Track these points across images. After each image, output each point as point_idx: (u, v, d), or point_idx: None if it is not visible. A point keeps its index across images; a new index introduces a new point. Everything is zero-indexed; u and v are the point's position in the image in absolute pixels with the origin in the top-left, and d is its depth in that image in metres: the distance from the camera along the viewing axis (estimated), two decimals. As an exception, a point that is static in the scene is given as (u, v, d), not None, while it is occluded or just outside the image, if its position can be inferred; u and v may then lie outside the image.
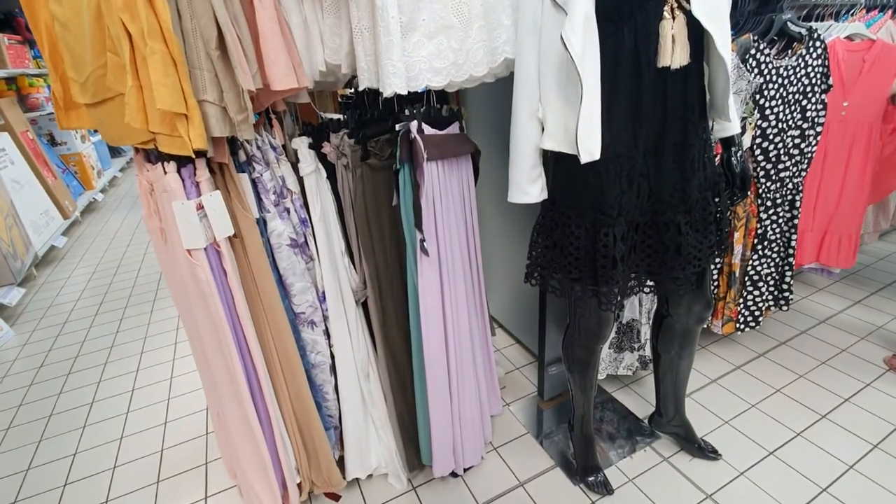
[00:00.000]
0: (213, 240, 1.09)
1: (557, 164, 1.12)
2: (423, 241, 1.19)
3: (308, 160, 1.24)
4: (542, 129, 1.09)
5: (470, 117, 2.09)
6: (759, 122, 1.71)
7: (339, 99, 1.47)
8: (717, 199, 1.18)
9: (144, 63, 0.89)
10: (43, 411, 2.17)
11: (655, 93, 1.01)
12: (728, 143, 1.21)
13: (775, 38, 1.70)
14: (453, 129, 1.30)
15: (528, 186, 1.14)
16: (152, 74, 0.87)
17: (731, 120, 1.08)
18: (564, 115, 1.03)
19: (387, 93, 1.02)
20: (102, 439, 1.96)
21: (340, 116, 1.29)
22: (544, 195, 1.16)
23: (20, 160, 3.81)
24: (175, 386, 2.25)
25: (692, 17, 0.94)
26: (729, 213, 1.29)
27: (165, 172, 1.01)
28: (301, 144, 1.24)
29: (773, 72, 1.68)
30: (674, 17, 0.95)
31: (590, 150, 0.98)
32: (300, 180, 1.27)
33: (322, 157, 1.29)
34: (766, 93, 1.69)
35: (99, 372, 2.41)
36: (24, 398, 2.26)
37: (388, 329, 1.42)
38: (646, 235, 1.13)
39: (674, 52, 0.95)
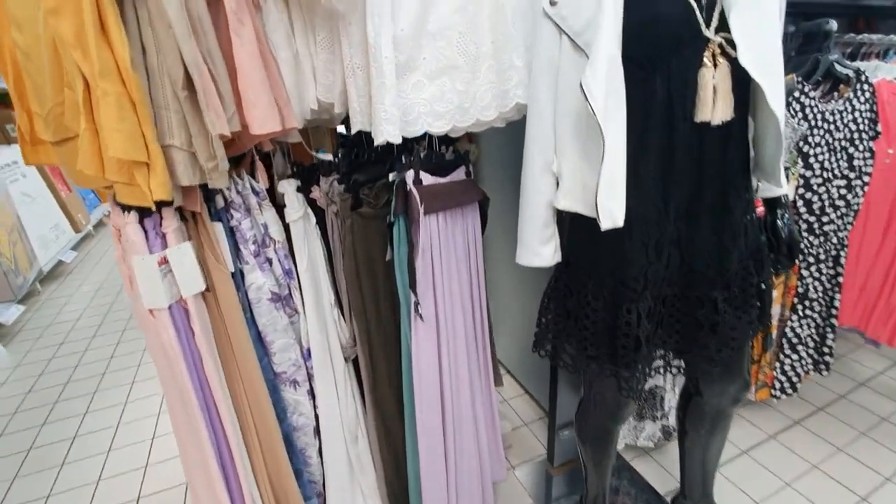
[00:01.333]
0: (178, 297, 0.96)
1: (573, 223, 0.98)
2: (417, 303, 1.05)
3: (295, 205, 1.12)
4: (557, 184, 0.95)
5: (483, 151, 1.97)
6: (803, 171, 1.54)
7: (339, 136, 1.36)
8: (758, 268, 1.02)
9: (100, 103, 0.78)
10: (23, 444, 2.06)
11: (690, 150, 0.86)
12: (773, 203, 1.05)
13: (820, 79, 1.54)
14: (458, 174, 1.17)
15: (540, 247, 0.99)
16: (104, 120, 0.76)
17: (781, 185, 0.92)
18: (583, 170, 0.89)
19: (378, 141, 0.89)
20: (79, 481, 1.84)
21: (337, 155, 1.17)
22: (558, 257, 1.01)
23: (33, 173, 3.80)
24: (162, 424, 2.13)
25: (738, 65, 0.79)
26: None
27: (117, 229, 0.89)
28: (288, 188, 1.12)
29: (819, 116, 1.52)
30: (716, 65, 0.80)
31: (612, 214, 0.83)
32: (286, 226, 1.14)
33: (312, 201, 1.17)
34: (810, 139, 1.52)
35: (87, 402, 2.31)
36: (5, 428, 2.17)
37: (379, 391, 1.27)
38: (675, 309, 0.97)
39: (715, 106, 0.81)
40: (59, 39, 0.76)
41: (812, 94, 1.51)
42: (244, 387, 1.11)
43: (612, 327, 0.94)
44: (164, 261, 0.92)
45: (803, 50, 1.58)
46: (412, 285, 1.04)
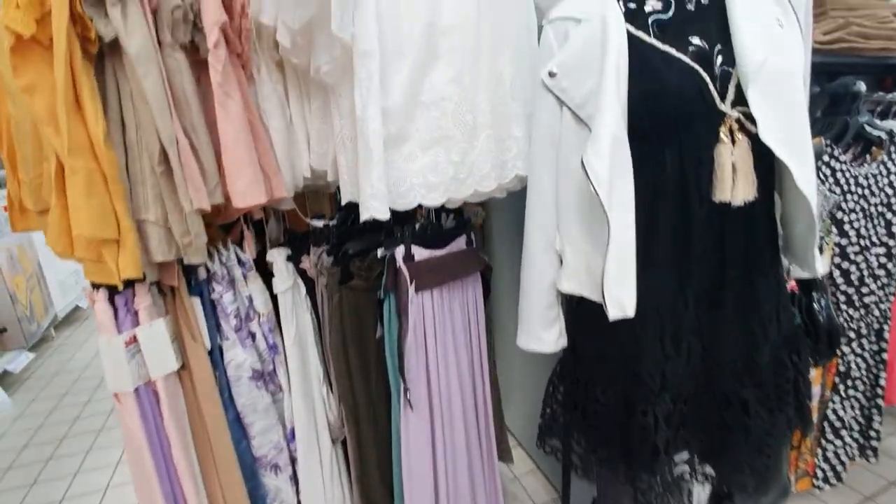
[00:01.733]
0: (147, 379, 0.89)
1: (579, 306, 0.88)
2: (407, 390, 0.95)
3: (284, 276, 1.06)
4: (561, 263, 0.86)
5: (493, 209, 1.90)
6: (838, 240, 1.43)
7: (338, 200, 1.31)
8: (794, 359, 0.90)
9: (71, 180, 0.74)
10: (8, 506, 1.98)
11: (709, 230, 0.77)
12: (808, 284, 0.94)
13: (850, 141, 1.45)
14: (458, 244, 1.10)
15: (542, 331, 0.90)
16: (71, 197, 0.72)
17: (815, 272, 0.82)
18: (587, 252, 0.80)
19: (364, 217, 0.83)
20: (57, 552, 1.73)
21: (329, 223, 1.11)
22: (563, 342, 0.91)
23: (59, 221, 3.90)
24: (150, 488, 2.01)
25: (759, 141, 0.71)
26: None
27: (94, 301, 0.84)
28: (278, 257, 1.06)
29: (852, 181, 1.41)
30: (734, 142, 0.73)
31: (621, 302, 0.74)
32: (274, 297, 1.08)
33: (304, 270, 1.11)
34: (843, 205, 1.41)
35: (80, 461, 2.23)
36: (-6, 487, 2.09)
37: (367, 478, 1.16)
38: (698, 408, 0.85)
39: (735, 185, 0.72)
40: (34, 115, 0.74)
41: (843, 157, 1.41)
42: (218, 475, 1.02)
43: (624, 426, 0.82)
44: (133, 340, 0.86)
45: (830, 111, 1.50)
46: (401, 370, 0.95)
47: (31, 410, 2.69)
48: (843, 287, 1.48)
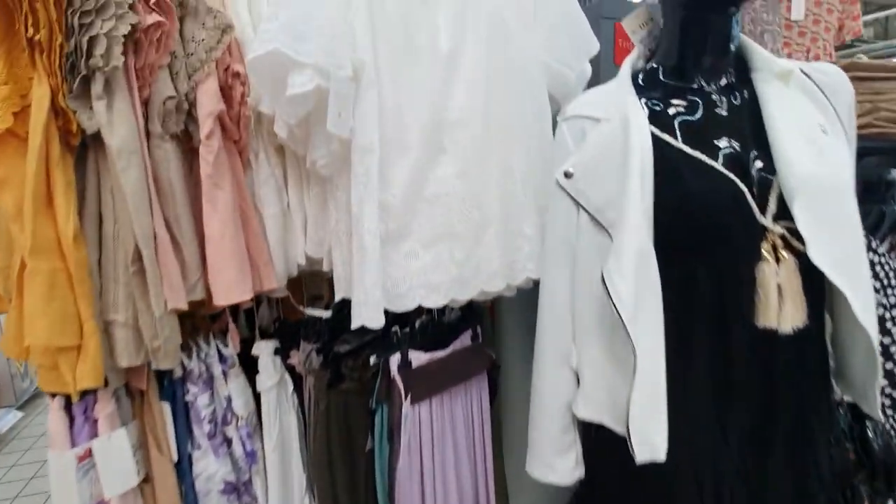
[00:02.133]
0: (101, 498, 0.78)
1: (599, 434, 0.76)
2: (396, 522, 0.83)
3: (270, 372, 0.97)
4: (578, 381, 0.76)
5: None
6: (881, 339, 1.30)
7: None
8: (848, 495, 0.76)
9: (33, 280, 0.67)
10: None
11: (753, 360, 0.66)
12: (861, 409, 0.82)
13: (887, 231, 1.36)
14: (462, 339, 1.00)
15: (555, 458, 0.78)
16: (29, 302, 0.65)
17: (878, 413, 0.70)
18: (609, 373, 0.70)
19: (355, 324, 0.75)
20: None
21: (324, 314, 1.03)
22: (579, 473, 0.78)
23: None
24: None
25: (807, 259, 0.62)
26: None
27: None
28: (265, 350, 0.97)
29: (892, 274, 1.31)
30: (778, 260, 0.64)
31: (651, 443, 0.63)
32: (258, 394, 0.98)
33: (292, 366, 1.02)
34: (884, 301, 1.30)
35: (49, 541, 2.05)
36: (-48, 572, 1.92)
37: None
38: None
39: (782, 310, 0.62)
40: (2, 210, 0.68)
41: (880, 249, 1.31)
42: None
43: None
44: (88, 454, 0.76)
45: (863, 198, 1.41)
46: (391, 498, 0.83)
47: (8, 477, 2.54)
48: (887, 390, 1.33)
